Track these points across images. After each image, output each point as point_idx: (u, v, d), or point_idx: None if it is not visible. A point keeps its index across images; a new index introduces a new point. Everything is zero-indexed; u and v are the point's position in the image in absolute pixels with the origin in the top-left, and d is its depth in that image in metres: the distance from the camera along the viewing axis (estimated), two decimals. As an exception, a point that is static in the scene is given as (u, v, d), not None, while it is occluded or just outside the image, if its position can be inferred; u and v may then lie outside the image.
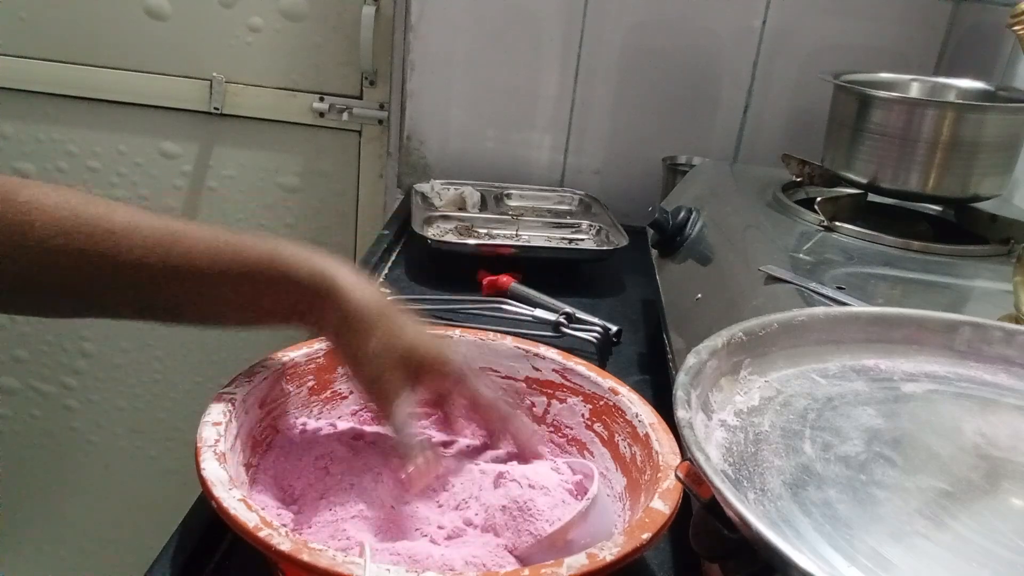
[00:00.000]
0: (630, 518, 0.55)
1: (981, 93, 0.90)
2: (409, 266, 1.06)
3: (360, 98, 1.45)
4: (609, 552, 0.46)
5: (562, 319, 0.86)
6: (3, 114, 1.49)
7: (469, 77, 1.28)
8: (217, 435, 0.53)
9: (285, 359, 0.63)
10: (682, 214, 0.89)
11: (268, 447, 0.60)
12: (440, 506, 0.56)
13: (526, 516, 0.53)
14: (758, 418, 0.45)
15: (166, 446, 1.69)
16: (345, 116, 1.44)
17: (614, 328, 0.87)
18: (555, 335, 0.85)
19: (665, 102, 1.27)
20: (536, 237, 1.10)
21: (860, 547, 0.35)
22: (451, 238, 1.06)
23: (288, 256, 0.56)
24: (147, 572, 0.53)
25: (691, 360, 0.45)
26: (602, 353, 0.85)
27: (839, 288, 0.64)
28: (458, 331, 0.69)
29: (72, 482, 1.74)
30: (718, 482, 0.35)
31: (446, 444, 0.63)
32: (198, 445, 0.52)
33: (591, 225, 1.13)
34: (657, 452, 0.56)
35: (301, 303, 0.56)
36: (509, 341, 0.68)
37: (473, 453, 0.63)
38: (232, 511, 0.46)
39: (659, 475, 0.54)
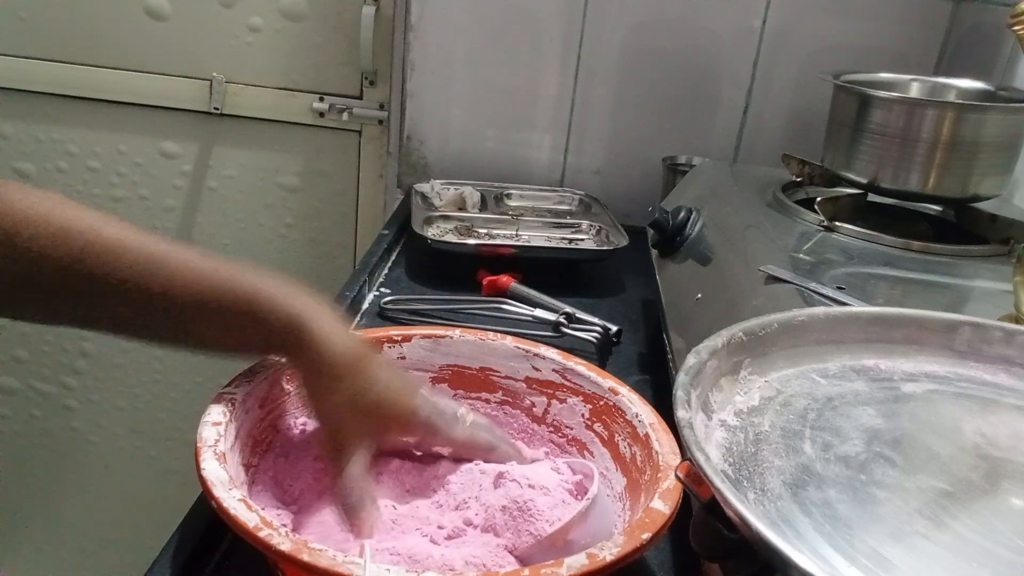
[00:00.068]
0: (630, 518, 0.55)
1: (981, 93, 0.90)
2: (409, 266, 1.06)
3: (360, 98, 1.45)
4: (609, 552, 0.46)
5: (562, 319, 0.86)
6: (3, 114, 1.49)
7: (469, 77, 1.28)
8: (217, 435, 0.53)
9: (285, 359, 0.63)
10: (682, 214, 0.89)
11: (268, 447, 0.60)
12: (440, 506, 0.56)
13: (526, 516, 0.53)
14: (758, 418, 0.45)
15: (166, 446, 1.69)
16: (345, 116, 1.44)
17: (614, 328, 0.87)
18: (555, 335, 0.85)
19: (665, 102, 1.27)
20: (536, 237, 1.10)
21: (860, 547, 0.35)
22: (451, 238, 1.06)
23: (265, 297, 0.55)
24: (147, 572, 0.53)
25: (691, 360, 0.45)
26: (602, 353, 0.85)
27: (839, 288, 0.64)
28: (458, 331, 0.69)
29: (72, 482, 1.74)
30: (718, 482, 0.35)
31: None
32: (198, 445, 0.52)
33: (591, 225, 1.13)
34: (657, 452, 0.56)
35: (273, 344, 0.57)
36: (509, 341, 0.68)
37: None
38: (232, 511, 0.46)
39: (659, 475, 0.54)
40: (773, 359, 0.50)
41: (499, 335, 0.69)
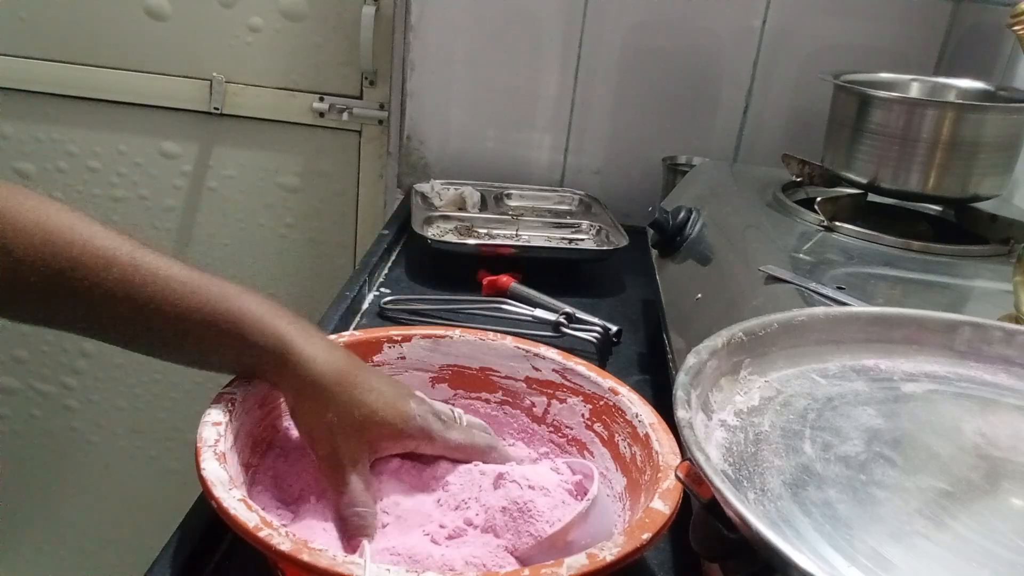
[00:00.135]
0: (630, 518, 0.55)
1: (981, 93, 0.90)
2: (409, 266, 1.06)
3: (360, 98, 1.45)
4: (609, 552, 0.46)
5: (562, 319, 0.86)
6: (3, 114, 1.49)
7: (469, 77, 1.28)
8: (217, 435, 0.53)
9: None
10: (682, 214, 0.89)
11: (268, 447, 0.60)
12: (441, 505, 0.56)
13: (526, 517, 0.53)
14: (758, 418, 0.45)
15: (166, 446, 1.69)
16: (345, 116, 1.44)
17: (614, 328, 0.87)
18: (555, 335, 0.85)
19: (665, 102, 1.27)
20: (536, 237, 1.10)
21: (860, 547, 0.35)
22: (451, 238, 1.06)
23: (250, 321, 0.55)
24: (147, 572, 0.53)
25: (691, 360, 0.45)
26: (602, 353, 0.85)
27: (839, 288, 0.64)
28: (458, 331, 0.69)
29: (72, 482, 1.74)
30: (718, 482, 0.35)
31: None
32: (198, 445, 0.52)
33: (591, 225, 1.13)
34: (657, 452, 0.56)
35: (259, 367, 0.56)
36: (509, 341, 0.68)
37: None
38: (232, 511, 0.46)
39: (659, 475, 0.54)
40: (773, 359, 0.50)
41: (499, 335, 0.69)
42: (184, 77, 1.45)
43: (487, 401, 0.68)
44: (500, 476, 0.56)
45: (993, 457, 0.43)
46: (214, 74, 1.44)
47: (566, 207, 1.23)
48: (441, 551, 0.52)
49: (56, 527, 1.77)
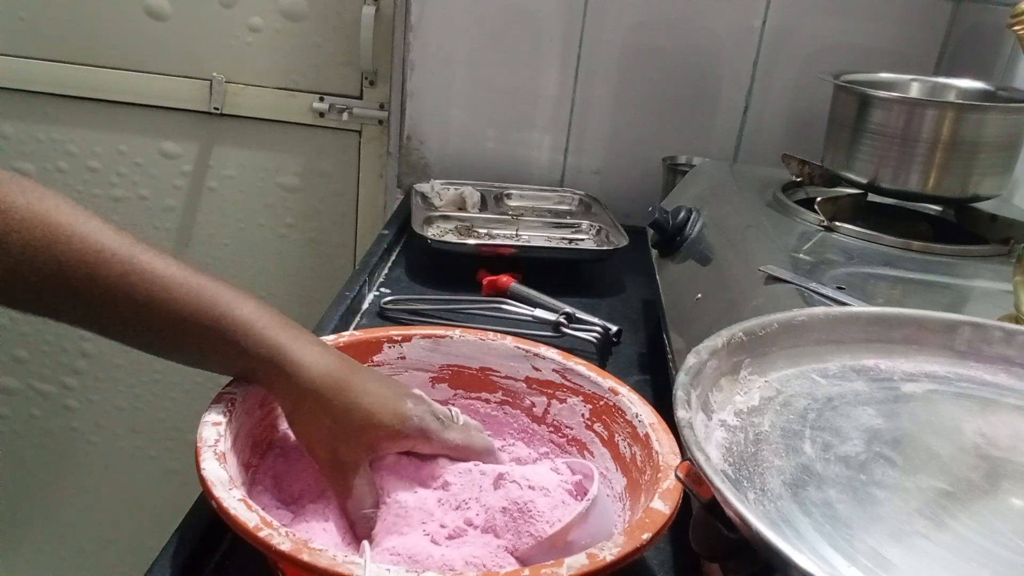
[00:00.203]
0: (630, 518, 0.55)
1: (981, 93, 0.90)
2: (409, 266, 1.06)
3: (360, 98, 1.45)
4: (609, 552, 0.46)
5: (562, 319, 0.86)
6: (3, 114, 1.49)
7: (469, 77, 1.28)
8: (217, 435, 0.53)
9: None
10: (682, 214, 0.89)
11: (268, 447, 0.60)
12: (441, 506, 0.56)
13: (526, 517, 0.53)
14: (758, 418, 0.45)
15: (166, 446, 1.69)
16: (345, 116, 1.44)
17: (614, 328, 0.87)
18: (555, 335, 0.85)
19: (665, 102, 1.27)
20: (536, 237, 1.10)
21: (860, 547, 0.35)
22: (451, 238, 1.06)
23: (244, 329, 0.55)
24: (147, 572, 0.53)
25: (691, 360, 0.45)
26: (602, 353, 0.85)
27: (839, 288, 0.64)
28: (458, 331, 0.69)
29: (72, 482, 1.74)
30: (718, 482, 0.35)
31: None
32: (198, 445, 0.52)
33: (591, 225, 1.13)
34: (657, 452, 0.56)
35: (254, 374, 0.56)
36: (509, 341, 0.68)
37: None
38: (232, 511, 0.46)
39: (659, 475, 0.54)
40: (773, 359, 0.50)
41: (499, 335, 0.69)
42: (184, 77, 1.45)
43: (487, 401, 0.68)
44: (500, 476, 0.56)
45: (993, 457, 0.43)
46: (214, 74, 1.44)
47: (566, 207, 1.23)
48: (441, 551, 0.52)
49: (56, 527, 1.77)
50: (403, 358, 0.68)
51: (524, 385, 0.67)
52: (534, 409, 0.67)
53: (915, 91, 0.93)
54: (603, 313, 0.91)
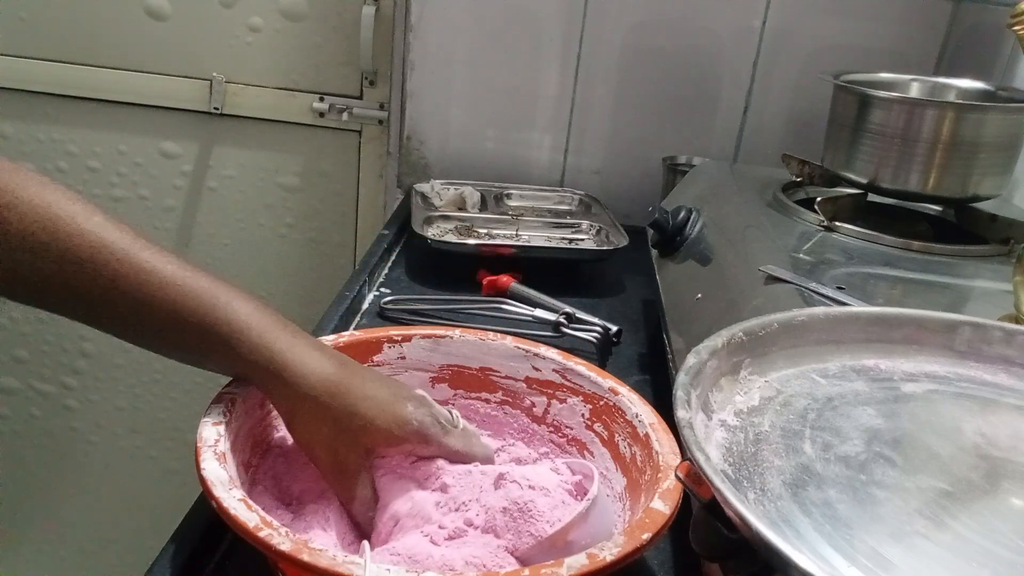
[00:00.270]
0: (630, 518, 0.55)
1: (981, 93, 0.90)
2: (409, 266, 1.06)
3: (360, 98, 1.45)
4: (609, 552, 0.46)
5: (562, 319, 0.86)
6: (3, 114, 1.49)
7: (469, 77, 1.28)
8: (217, 435, 0.53)
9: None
10: (682, 214, 0.89)
11: (268, 447, 0.60)
12: (441, 507, 0.56)
13: (526, 517, 0.53)
14: (758, 418, 0.45)
15: (166, 446, 1.69)
16: (345, 116, 1.44)
17: (614, 328, 0.87)
18: (555, 335, 0.85)
19: (665, 102, 1.27)
20: (536, 237, 1.10)
21: (860, 547, 0.35)
22: (451, 238, 1.06)
23: (242, 334, 0.54)
24: (147, 572, 0.53)
25: (691, 360, 0.45)
26: (602, 353, 0.85)
27: (839, 288, 0.64)
28: (458, 331, 0.69)
29: (72, 482, 1.74)
30: (718, 482, 0.35)
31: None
32: (198, 445, 0.52)
33: (591, 225, 1.13)
34: (657, 452, 0.56)
35: (251, 379, 0.56)
36: (509, 341, 0.68)
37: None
38: (232, 511, 0.46)
39: (659, 475, 0.54)
40: (773, 359, 0.50)
41: (499, 335, 0.69)
42: (184, 77, 1.45)
43: (487, 401, 0.68)
44: (501, 476, 0.56)
45: (993, 457, 0.43)
46: (214, 74, 1.44)
47: (566, 207, 1.23)
48: (441, 551, 0.52)
49: (56, 527, 1.77)
50: (403, 358, 0.68)
51: (524, 385, 0.67)
52: (534, 409, 0.67)
53: (915, 91, 0.93)
54: (603, 313, 0.91)
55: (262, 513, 0.46)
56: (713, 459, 0.38)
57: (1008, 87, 0.93)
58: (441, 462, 0.58)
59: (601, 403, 0.64)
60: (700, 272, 0.80)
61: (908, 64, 1.22)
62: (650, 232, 0.91)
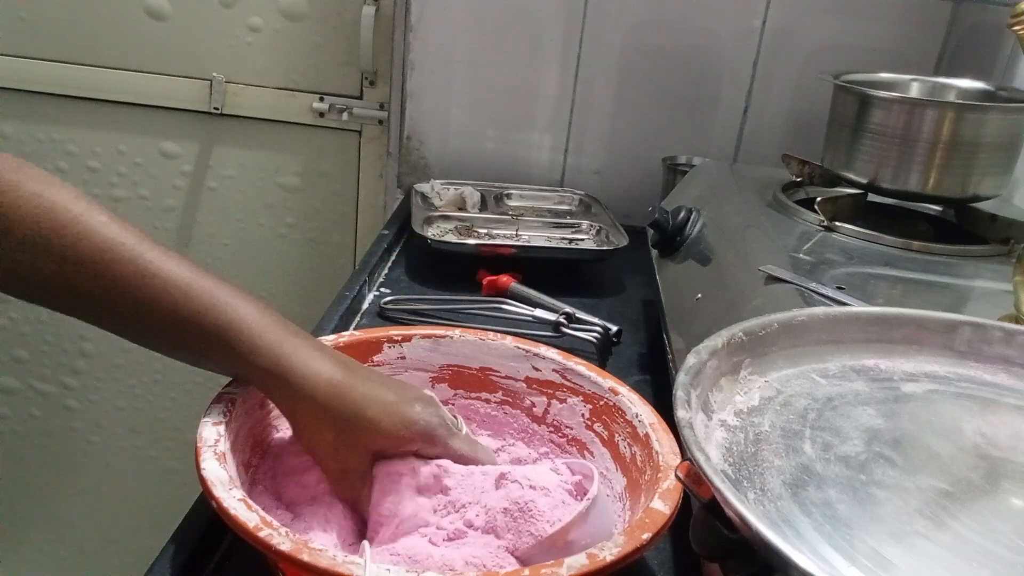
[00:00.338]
0: (630, 518, 0.55)
1: (981, 93, 0.90)
2: (409, 266, 1.06)
3: (360, 98, 1.45)
4: (609, 552, 0.46)
5: (562, 319, 0.86)
6: (3, 114, 1.49)
7: (469, 77, 1.28)
8: (217, 435, 0.53)
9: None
10: (682, 214, 0.89)
11: (268, 447, 0.60)
12: (442, 508, 0.56)
13: (527, 517, 0.53)
14: (758, 418, 0.45)
15: (166, 446, 1.69)
16: (345, 116, 1.44)
17: (614, 328, 0.87)
18: (555, 335, 0.85)
19: (665, 102, 1.27)
20: (536, 237, 1.10)
21: (860, 547, 0.35)
22: (451, 238, 1.06)
23: (246, 337, 0.54)
24: (147, 572, 0.53)
25: (691, 360, 0.45)
26: (602, 353, 0.85)
27: (839, 288, 0.64)
28: (458, 331, 0.69)
29: (72, 482, 1.74)
30: (718, 482, 0.35)
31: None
32: (198, 445, 0.52)
33: (591, 225, 1.13)
34: (657, 452, 0.56)
35: (254, 382, 0.56)
36: (509, 341, 0.68)
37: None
38: (232, 511, 0.46)
39: (659, 475, 0.54)
40: (773, 359, 0.50)
41: (499, 335, 0.69)
42: (184, 77, 1.45)
43: (487, 401, 0.68)
44: (502, 476, 0.56)
45: (993, 457, 0.43)
46: (214, 74, 1.44)
47: (566, 207, 1.23)
48: (441, 551, 0.52)
49: (56, 527, 1.77)
50: (403, 358, 0.68)
51: (524, 385, 0.67)
52: (534, 409, 0.67)
53: (915, 91, 0.93)
54: (603, 313, 0.91)
55: (262, 513, 0.46)
56: (713, 459, 0.38)
57: (1008, 87, 0.93)
58: (444, 463, 0.58)
59: (601, 403, 0.64)
60: (700, 272, 0.80)
61: (908, 64, 1.22)
62: (650, 232, 0.91)
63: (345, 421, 0.54)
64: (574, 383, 0.65)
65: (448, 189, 1.20)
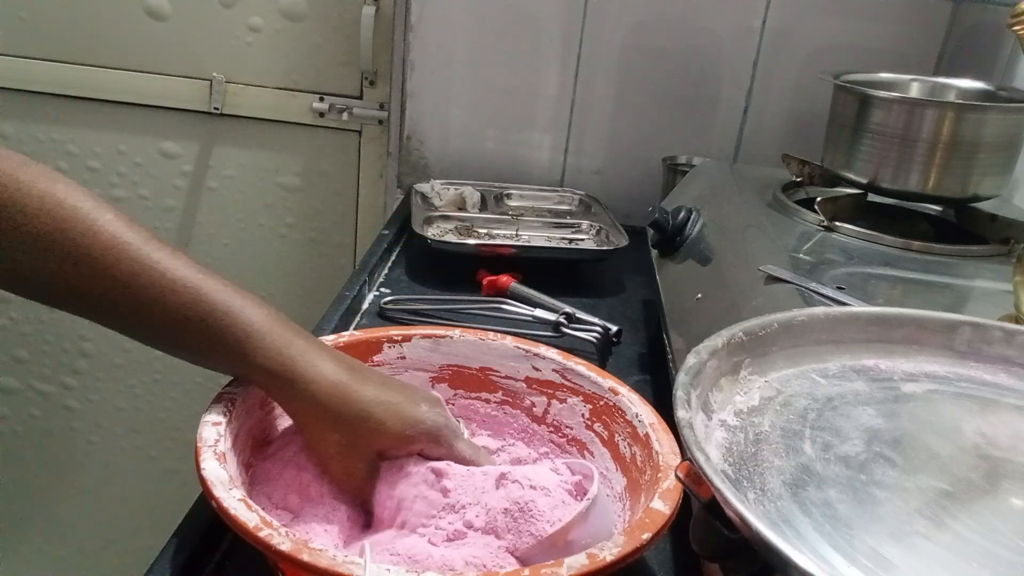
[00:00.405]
0: (630, 518, 0.55)
1: (981, 93, 0.90)
2: (409, 266, 1.06)
3: (360, 98, 1.45)
4: (609, 552, 0.46)
5: (562, 319, 0.86)
6: (3, 114, 1.49)
7: (469, 77, 1.28)
8: (217, 435, 0.53)
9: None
10: (682, 214, 0.89)
11: (268, 447, 0.60)
12: (442, 508, 0.56)
13: (527, 517, 0.53)
14: (758, 418, 0.45)
15: (166, 446, 1.69)
16: (345, 116, 1.44)
17: (614, 328, 0.87)
18: (555, 335, 0.85)
19: (665, 102, 1.27)
20: (536, 237, 1.10)
21: (860, 547, 0.35)
22: (451, 238, 1.06)
23: (253, 340, 0.54)
24: (147, 572, 0.53)
25: (691, 360, 0.45)
26: (602, 353, 0.85)
27: (839, 288, 0.64)
28: (458, 331, 0.69)
29: (72, 482, 1.74)
30: (718, 482, 0.35)
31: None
32: (198, 445, 0.52)
33: (591, 225, 1.13)
34: (657, 452, 0.56)
35: (260, 384, 0.56)
36: (509, 341, 0.68)
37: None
38: (232, 511, 0.46)
39: (659, 475, 0.54)
40: (773, 359, 0.50)
41: (499, 335, 0.69)
42: (184, 77, 1.45)
43: (487, 401, 0.68)
44: (503, 476, 0.56)
45: (993, 457, 0.43)
46: (214, 74, 1.44)
47: (566, 207, 1.23)
48: (441, 551, 0.52)
49: (56, 527, 1.77)
50: (403, 358, 0.68)
51: (524, 385, 0.67)
52: (534, 409, 0.67)
53: (915, 91, 0.93)
54: (603, 313, 0.91)
55: (262, 513, 0.46)
56: (713, 459, 0.38)
57: (1008, 87, 0.93)
58: (447, 464, 0.58)
59: (601, 403, 0.64)
60: (700, 272, 0.80)
61: (908, 64, 1.22)
62: (650, 232, 0.91)
63: (351, 422, 0.54)
64: (574, 383, 0.65)
65: (448, 189, 1.20)
